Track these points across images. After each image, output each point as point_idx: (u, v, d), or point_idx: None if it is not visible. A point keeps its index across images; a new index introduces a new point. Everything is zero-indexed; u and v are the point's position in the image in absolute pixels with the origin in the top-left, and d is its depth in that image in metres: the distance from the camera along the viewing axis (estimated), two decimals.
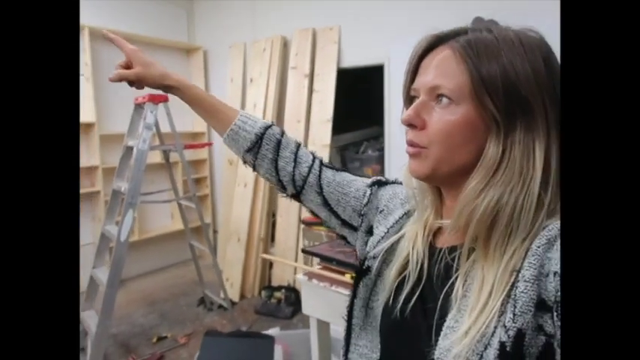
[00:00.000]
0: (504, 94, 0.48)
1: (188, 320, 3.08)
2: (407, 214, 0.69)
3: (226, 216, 3.89)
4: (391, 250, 0.66)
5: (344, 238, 0.80)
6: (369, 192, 0.75)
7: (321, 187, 0.77)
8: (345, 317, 0.69)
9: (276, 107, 3.65)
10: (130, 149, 2.65)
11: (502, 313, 0.47)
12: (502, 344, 0.45)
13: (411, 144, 0.56)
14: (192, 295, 3.46)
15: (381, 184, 0.76)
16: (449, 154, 0.53)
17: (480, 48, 0.50)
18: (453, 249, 0.57)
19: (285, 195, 0.83)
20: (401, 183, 0.75)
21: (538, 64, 0.49)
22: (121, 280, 3.71)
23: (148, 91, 2.80)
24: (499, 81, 0.48)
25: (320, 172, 0.79)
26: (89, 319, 2.51)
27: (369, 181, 0.78)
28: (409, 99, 0.59)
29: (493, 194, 0.49)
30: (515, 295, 0.46)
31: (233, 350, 1.84)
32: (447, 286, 0.54)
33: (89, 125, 3.50)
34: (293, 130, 3.47)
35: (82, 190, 3.49)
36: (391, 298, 0.61)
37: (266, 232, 3.62)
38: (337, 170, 0.80)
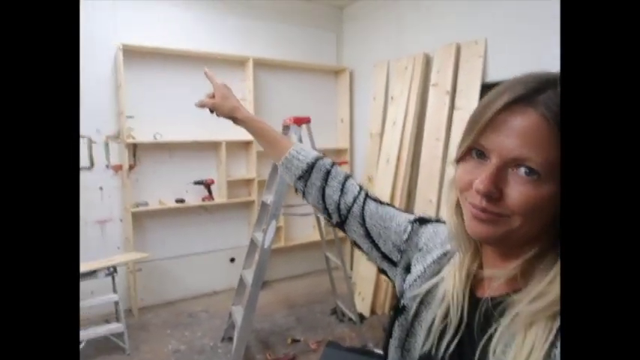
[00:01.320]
0: None
1: (320, 327, 3.27)
2: (446, 255, 0.67)
3: None
4: (429, 292, 0.64)
5: (384, 272, 0.79)
6: (409, 228, 0.74)
7: (363, 219, 0.79)
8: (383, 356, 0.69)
9: (415, 125, 3.62)
10: (277, 166, 2.96)
11: None
12: None
13: (484, 211, 0.51)
14: (327, 304, 3.65)
15: (423, 221, 0.75)
16: (527, 227, 0.50)
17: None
18: (495, 300, 0.54)
19: (331, 223, 0.86)
20: (441, 222, 0.73)
21: None
22: (267, 281, 4.17)
23: (294, 112, 3.10)
24: None
25: (364, 203, 0.80)
26: (237, 313, 2.88)
27: (411, 217, 0.77)
28: (469, 150, 0.54)
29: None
30: (554, 355, 0.45)
31: None
32: (485, 339, 0.52)
33: (248, 143, 4.04)
34: (431, 148, 3.40)
35: (240, 199, 4.03)
36: (433, 346, 0.60)
37: None
38: (382, 204, 0.81)
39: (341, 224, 0.83)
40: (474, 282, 0.60)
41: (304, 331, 3.19)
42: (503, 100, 0.49)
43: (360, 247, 0.82)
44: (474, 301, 0.57)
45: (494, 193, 0.49)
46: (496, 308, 0.53)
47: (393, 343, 0.66)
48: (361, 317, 3.29)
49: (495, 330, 0.51)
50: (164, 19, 3.64)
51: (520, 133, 0.48)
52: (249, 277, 2.84)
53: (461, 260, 0.61)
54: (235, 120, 0.99)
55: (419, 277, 0.67)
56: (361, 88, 4.52)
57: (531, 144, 0.47)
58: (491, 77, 3.15)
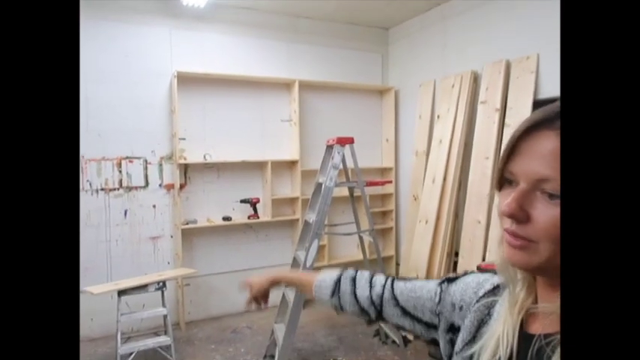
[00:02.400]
0: None
1: (362, 349, 3.20)
2: (481, 299, 0.66)
3: (407, 250, 3.91)
4: (479, 335, 0.62)
5: (435, 341, 0.78)
6: (439, 290, 0.76)
7: (396, 299, 0.83)
8: None
9: (462, 143, 3.53)
10: (319, 185, 2.99)
11: None
12: None
13: (514, 235, 0.51)
14: (370, 325, 3.57)
15: (450, 280, 0.76)
16: (555, 251, 0.48)
17: None
18: (549, 337, 0.51)
19: (371, 321, 0.90)
20: (468, 273, 0.74)
21: None
22: (310, 300, 4.15)
23: (338, 133, 3.13)
24: None
25: (392, 286, 0.85)
26: (279, 331, 2.89)
27: (438, 280, 0.79)
28: (501, 180, 0.55)
29: None
30: None
31: None
32: None
33: (294, 162, 4.11)
34: (480, 167, 3.29)
35: (284, 218, 4.09)
36: None
37: (446, 270, 3.48)
38: (409, 280, 0.85)
39: (379, 315, 0.87)
40: (529, 317, 0.57)
41: (346, 352, 3.14)
42: (525, 125, 0.52)
43: (403, 328, 0.84)
44: (527, 337, 0.55)
45: (520, 214, 0.50)
46: (549, 346, 0.50)
47: None
48: (405, 340, 3.19)
49: None
50: (214, 46, 3.84)
51: (543, 155, 0.49)
52: (291, 295, 2.85)
53: (511, 294, 0.59)
54: (278, 283, 1.16)
55: (466, 332, 0.66)
56: (407, 107, 4.49)
57: (554, 165, 0.47)
58: (545, 93, 3.02)
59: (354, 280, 0.92)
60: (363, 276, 0.92)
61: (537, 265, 0.50)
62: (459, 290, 0.73)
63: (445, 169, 3.59)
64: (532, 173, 0.49)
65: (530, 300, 0.57)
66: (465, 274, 0.75)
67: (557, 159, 0.47)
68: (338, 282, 0.93)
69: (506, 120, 3.20)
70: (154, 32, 3.60)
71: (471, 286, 0.71)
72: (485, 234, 3.15)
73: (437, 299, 0.76)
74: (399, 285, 0.84)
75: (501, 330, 0.57)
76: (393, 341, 3.14)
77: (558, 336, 0.49)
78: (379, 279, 0.89)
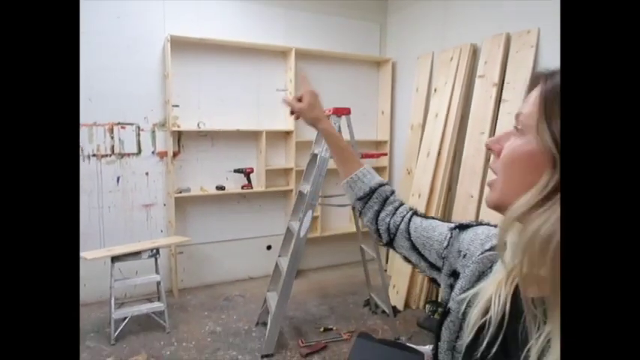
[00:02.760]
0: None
1: (353, 318, 3.27)
2: (484, 254, 0.66)
3: None
4: (476, 293, 0.62)
5: (434, 280, 0.81)
6: (449, 235, 0.77)
7: (409, 233, 0.86)
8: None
9: (458, 117, 3.52)
10: (315, 156, 2.97)
11: None
12: None
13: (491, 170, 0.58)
14: (360, 295, 3.64)
15: (462, 227, 0.76)
16: (509, 182, 0.54)
17: (557, 89, 0.50)
18: (541, 300, 0.51)
19: (381, 243, 0.94)
20: (482, 224, 0.74)
21: None
22: (303, 270, 4.22)
23: (334, 104, 3.08)
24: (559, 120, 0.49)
25: (410, 220, 0.87)
26: (271, 299, 2.94)
27: (452, 225, 0.80)
28: None
29: (541, 221, 0.47)
30: None
31: (381, 357, 1.89)
32: (530, 339, 0.50)
33: (288, 133, 4.07)
34: (475, 141, 3.29)
35: (278, 188, 4.09)
36: (472, 340, 0.58)
37: None
38: (427, 218, 0.87)
39: (390, 242, 0.91)
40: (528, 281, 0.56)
41: (337, 321, 3.20)
42: (529, 81, 0.59)
43: (409, 261, 0.87)
44: (520, 300, 0.55)
45: (495, 146, 0.57)
46: (541, 308, 0.51)
47: (442, 346, 0.66)
48: (395, 310, 3.26)
49: (540, 335, 0.49)
50: (210, 10, 3.73)
51: (527, 100, 0.56)
52: (284, 264, 2.88)
53: (502, 260, 0.59)
54: (319, 129, 1.05)
55: (465, 280, 0.67)
56: (404, 79, 4.43)
57: (530, 105, 0.54)
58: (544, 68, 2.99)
59: (385, 200, 0.92)
60: (394, 202, 0.92)
61: (497, 202, 0.56)
62: (467, 238, 0.73)
63: (440, 143, 3.59)
64: (520, 113, 0.56)
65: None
66: (479, 224, 0.75)
67: (536, 101, 0.53)
68: (372, 192, 0.93)
69: (504, 95, 3.18)
70: None
71: (479, 237, 0.71)
72: (478, 208, 3.18)
73: (445, 243, 0.77)
74: (416, 221, 0.86)
75: (494, 292, 0.57)
76: (383, 311, 3.21)
77: (543, 297, 0.50)
78: (403, 209, 0.91)
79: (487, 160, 3.17)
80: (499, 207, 0.56)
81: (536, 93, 0.53)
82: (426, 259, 0.81)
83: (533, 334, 0.50)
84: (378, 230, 0.92)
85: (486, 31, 3.37)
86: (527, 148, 0.52)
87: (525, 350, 0.50)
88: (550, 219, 0.46)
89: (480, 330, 0.58)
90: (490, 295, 0.58)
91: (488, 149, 0.58)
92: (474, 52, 3.53)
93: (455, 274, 0.72)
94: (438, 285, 0.79)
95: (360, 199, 0.94)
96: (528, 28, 3.07)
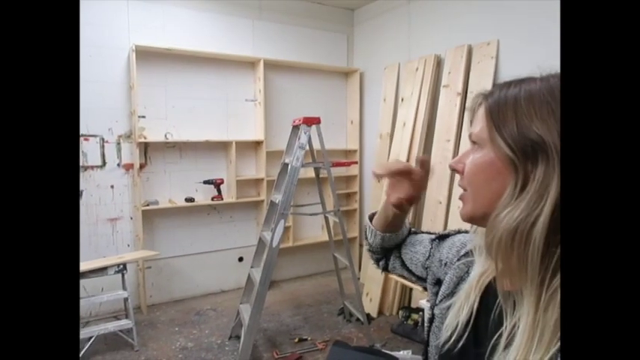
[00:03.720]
0: (518, 136, 0.52)
1: (327, 327, 3.26)
2: (460, 259, 0.71)
3: None
4: (456, 290, 0.66)
5: (426, 290, 0.85)
6: (430, 246, 0.82)
7: (400, 252, 0.89)
8: None
9: (425, 126, 3.61)
10: (285, 165, 2.97)
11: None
12: None
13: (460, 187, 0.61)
14: (334, 304, 3.64)
15: (442, 237, 0.81)
16: (477, 193, 0.57)
17: (502, 100, 0.56)
18: (507, 293, 0.55)
19: (379, 269, 0.96)
20: (460, 232, 0.78)
21: (549, 110, 0.51)
22: (276, 280, 4.18)
23: (303, 114, 3.10)
24: (514, 126, 0.53)
25: (404, 241, 0.90)
26: (244, 311, 2.89)
27: (433, 236, 0.84)
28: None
29: (505, 217, 0.51)
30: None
31: None
32: (498, 332, 0.54)
33: (259, 143, 4.06)
34: (441, 149, 3.39)
35: (249, 199, 4.05)
36: (446, 339, 0.62)
37: None
38: (416, 233, 0.90)
39: (385, 268, 0.94)
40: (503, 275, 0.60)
41: (311, 331, 3.19)
42: (474, 102, 0.62)
43: (405, 278, 0.91)
44: (490, 296, 0.59)
45: (459, 165, 0.61)
46: (507, 302, 0.54)
47: (431, 350, 0.70)
48: (369, 318, 3.28)
49: (510, 322, 0.53)
50: (176, 20, 3.69)
51: (478, 118, 0.59)
52: (257, 275, 2.85)
53: (476, 261, 0.64)
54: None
55: (446, 287, 0.71)
56: (371, 89, 4.52)
57: (476, 123, 0.59)
58: (504, 78, 3.09)
59: (402, 243, 0.90)
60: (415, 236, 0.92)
61: (470, 214, 0.59)
62: (446, 247, 0.77)
63: (408, 151, 3.67)
64: (472, 133, 0.60)
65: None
66: (458, 232, 0.79)
67: (479, 117, 0.58)
68: (408, 234, 0.90)
69: (467, 104, 3.29)
70: (109, 2, 3.40)
71: (456, 245, 0.75)
72: (446, 213, 3.26)
73: (427, 254, 0.81)
74: (406, 240, 0.89)
75: (465, 294, 0.62)
76: (357, 319, 3.22)
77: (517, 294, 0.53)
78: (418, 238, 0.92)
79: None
80: (473, 218, 0.59)
81: (481, 111, 0.58)
82: (413, 274, 0.86)
83: (505, 322, 0.54)
84: (378, 260, 0.94)
85: (449, 42, 3.50)
86: (486, 159, 0.56)
87: (495, 337, 0.54)
88: (514, 214, 0.50)
89: (455, 329, 0.62)
90: (462, 297, 0.62)
91: (453, 170, 0.62)
92: (438, 63, 3.65)
93: (439, 282, 0.75)
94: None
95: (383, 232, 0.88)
96: (488, 40, 3.21)
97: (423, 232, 0.90)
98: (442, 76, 3.53)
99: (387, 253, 0.92)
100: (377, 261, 0.95)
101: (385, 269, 0.94)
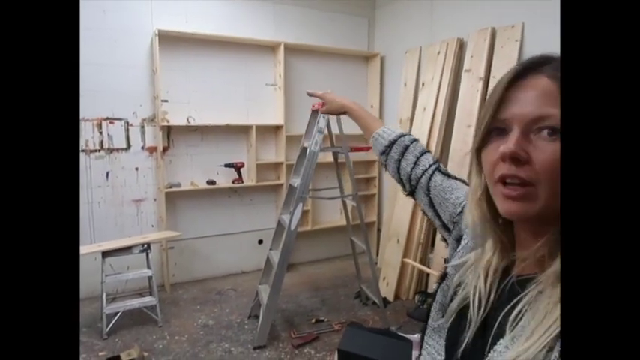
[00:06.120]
0: None
1: (344, 309, 3.32)
2: None
3: (389, 216, 4.00)
4: (468, 266, 0.64)
5: (445, 240, 0.84)
6: (464, 202, 0.76)
7: (429, 190, 0.87)
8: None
9: (446, 111, 3.57)
10: (304, 150, 3.00)
11: (551, 349, 0.45)
12: None
13: (513, 184, 0.51)
14: (351, 287, 3.70)
15: None
16: (554, 193, 0.48)
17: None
18: (521, 277, 0.54)
19: (404, 192, 0.97)
20: None
21: None
22: (294, 263, 4.26)
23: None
24: None
25: (432, 175, 0.88)
26: (263, 292, 2.97)
27: None
28: (488, 132, 0.55)
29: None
30: None
31: (371, 344, 1.93)
32: (510, 314, 0.52)
33: (278, 127, 4.09)
34: (462, 135, 3.35)
35: (269, 182, 4.11)
36: (453, 323, 0.62)
37: (426, 237, 3.59)
38: (449, 177, 0.87)
39: (411, 193, 0.93)
40: (509, 264, 0.59)
41: (328, 313, 3.25)
42: (512, 73, 0.53)
43: (427, 215, 0.89)
44: (504, 278, 0.57)
45: (522, 154, 0.49)
46: (521, 285, 0.53)
47: (435, 306, 0.70)
48: (385, 301, 3.32)
49: (518, 306, 0.51)
50: (198, 5, 3.72)
51: (535, 97, 0.50)
52: (275, 257, 2.91)
53: (488, 258, 0.60)
54: (346, 113, 1.16)
55: (463, 247, 0.70)
56: (392, 74, 4.47)
57: (549, 103, 0.49)
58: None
59: (405, 149, 0.94)
60: (415, 150, 0.93)
61: (536, 213, 0.50)
62: None
63: (428, 136, 3.64)
64: (527, 114, 0.50)
65: (503, 263, 0.59)
66: None
67: (551, 97, 0.49)
68: (392, 144, 0.96)
69: (490, 89, 3.23)
70: None
71: None
72: None
73: (459, 209, 0.78)
74: (437, 179, 0.87)
75: (474, 286, 0.59)
76: (374, 302, 3.27)
77: (532, 277, 0.52)
78: (425, 160, 0.91)
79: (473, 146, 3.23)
80: (536, 218, 0.51)
81: (536, 89, 0.50)
82: (440, 218, 0.84)
83: (515, 306, 0.51)
84: (401, 180, 0.95)
85: (472, 25, 3.42)
86: None
87: (497, 322, 0.53)
88: None
89: (461, 314, 0.61)
90: (475, 283, 0.60)
91: (513, 158, 0.50)
92: (461, 47, 3.58)
93: (459, 240, 0.74)
94: (448, 244, 0.82)
95: (382, 153, 0.98)
96: (513, 23, 3.12)
97: (456, 178, 0.86)
98: (464, 61, 3.47)
99: (402, 171, 0.93)
100: (399, 182, 0.96)
101: (411, 195, 0.94)
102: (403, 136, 0.97)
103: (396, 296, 3.57)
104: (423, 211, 0.91)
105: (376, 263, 4.11)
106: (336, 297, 3.57)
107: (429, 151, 0.94)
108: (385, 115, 4.59)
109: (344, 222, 3.62)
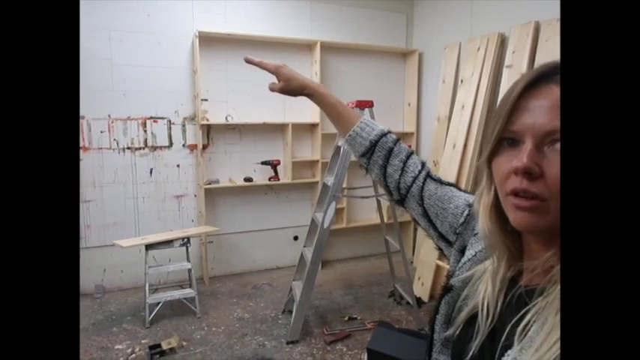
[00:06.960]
0: None
1: (377, 308, 3.32)
2: None
3: None
4: (476, 278, 0.64)
5: (440, 249, 0.80)
6: (467, 212, 0.73)
7: (422, 199, 0.80)
8: (428, 331, 0.71)
9: (485, 109, 3.46)
10: (338, 148, 3.02)
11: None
12: None
13: (525, 196, 0.50)
14: (386, 286, 3.68)
15: None
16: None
17: None
18: (529, 287, 0.54)
19: (391, 200, 0.87)
20: None
21: None
22: (329, 260, 4.29)
23: (360, 96, 3.09)
24: None
25: (423, 183, 0.81)
26: (297, 288, 3.02)
27: (470, 199, 0.75)
28: (499, 142, 0.54)
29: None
30: None
31: (400, 345, 1.93)
32: (518, 325, 0.51)
33: (314, 125, 4.12)
34: None
35: (304, 180, 4.16)
36: (461, 332, 0.62)
37: None
38: (442, 184, 0.81)
39: (400, 202, 0.85)
40: (516, 273, 0.58)
41: (361, 311, 3.26)
42: (524, 82, 0.51)
43: (419, 224, 0.83)
44: (512, 288, 0.57)
45: (534, 168, 0.48)
46: (529, 296, 0.52)
47: (440, 319, 0.68)
48: (419, 302, 3.29)
49: (526, 316, 0.51)
50: (236, 6, 3.81)
51: (549, 108, 0.49)
52: (309, 254, 2.95)
53: (495, 268, 0.59)
54: (307, 95, 0.97)
55: (469, 260, 0.67)
56: (430, 70, 4.39)
57: (549, 111, 0.48)
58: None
59: (389, 152, 0.84)
60: (400, 153, 0.85)
61: (547, 226, 0.49)
62: None
63: (466, 135, 3.55)
64: (540, 126, 0.49)
65: (510, 272, 0.58)
66: None
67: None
68: (374, 146, 0.85)
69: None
70: None
71: None
72: None
73: (462, 220, 0.73)
74: (430, 187, 0.80)
75: (482, 296, 0.59)
76: (407, 302, 3.24)
77: (538, 287, 0.51)
78: (413, 164, 0.83)
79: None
80: (547, 231, 0.51)
81: (549, 100, 0.49)
82: (435, 229, 0.78)
83: (520, 320, 0.51)
84: (387, 187, 0.85)
85: (515, 19, 3.30)
86: None
87: (507, 332, 0.52)
88: None
89: (469, 324, 0.61)
90: (483, 294, 0.59)
91: (526, 172, 0.49)
92: (502, 42, 3.46)
93: (464, 251, 0.71)
94: (444, 255, 0.79)
95: (362, 155, 0.86)
96: (558, 16, 2.98)
97: (453, 186, 0.80)
98: (505, 56, 3.35)
99: (389, 178, 0.84)
100: (386, 189, 0.86)
101: (400, 204, 0.85)
102: (384, 135, 0.86)
103: (431, 297, 3.52)
104: (414, 219, 0.83)
105: (412, 263, 4.07)
106: (369, 295, 3.57)
107: (412, 152, 0.87)
108: (423, 113, 4.51)
109: (378, 220, 3.61)
